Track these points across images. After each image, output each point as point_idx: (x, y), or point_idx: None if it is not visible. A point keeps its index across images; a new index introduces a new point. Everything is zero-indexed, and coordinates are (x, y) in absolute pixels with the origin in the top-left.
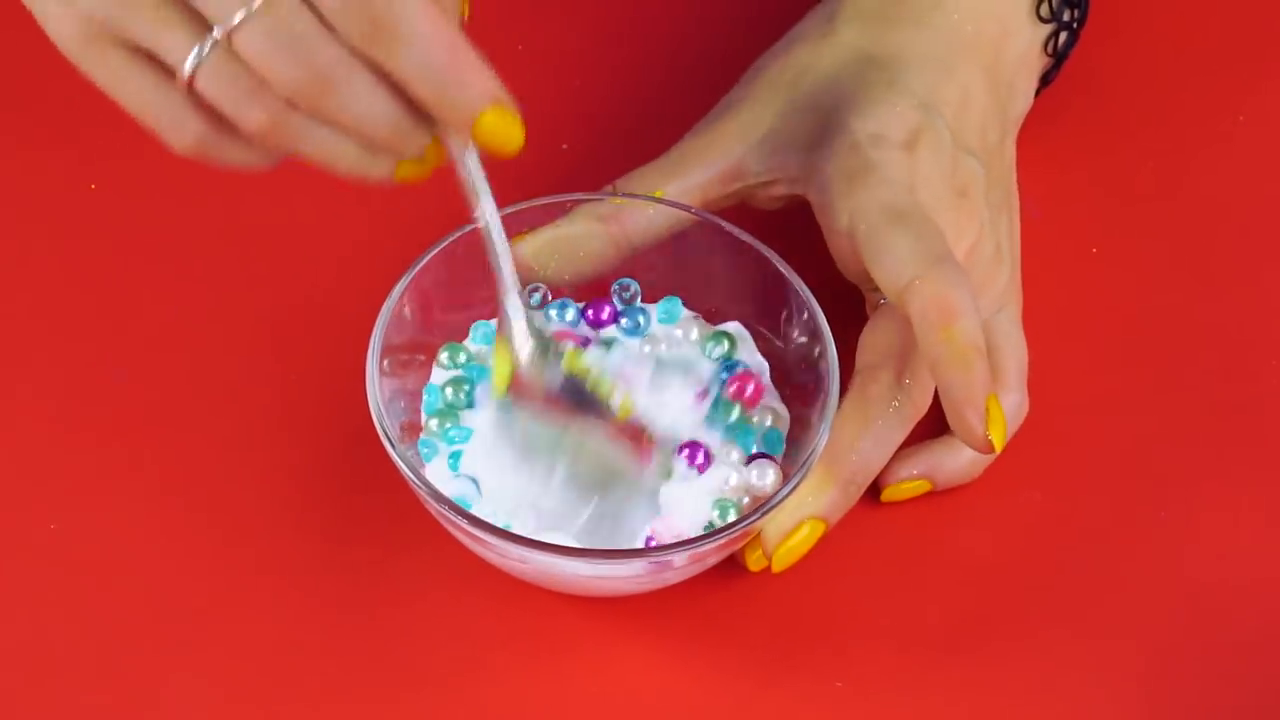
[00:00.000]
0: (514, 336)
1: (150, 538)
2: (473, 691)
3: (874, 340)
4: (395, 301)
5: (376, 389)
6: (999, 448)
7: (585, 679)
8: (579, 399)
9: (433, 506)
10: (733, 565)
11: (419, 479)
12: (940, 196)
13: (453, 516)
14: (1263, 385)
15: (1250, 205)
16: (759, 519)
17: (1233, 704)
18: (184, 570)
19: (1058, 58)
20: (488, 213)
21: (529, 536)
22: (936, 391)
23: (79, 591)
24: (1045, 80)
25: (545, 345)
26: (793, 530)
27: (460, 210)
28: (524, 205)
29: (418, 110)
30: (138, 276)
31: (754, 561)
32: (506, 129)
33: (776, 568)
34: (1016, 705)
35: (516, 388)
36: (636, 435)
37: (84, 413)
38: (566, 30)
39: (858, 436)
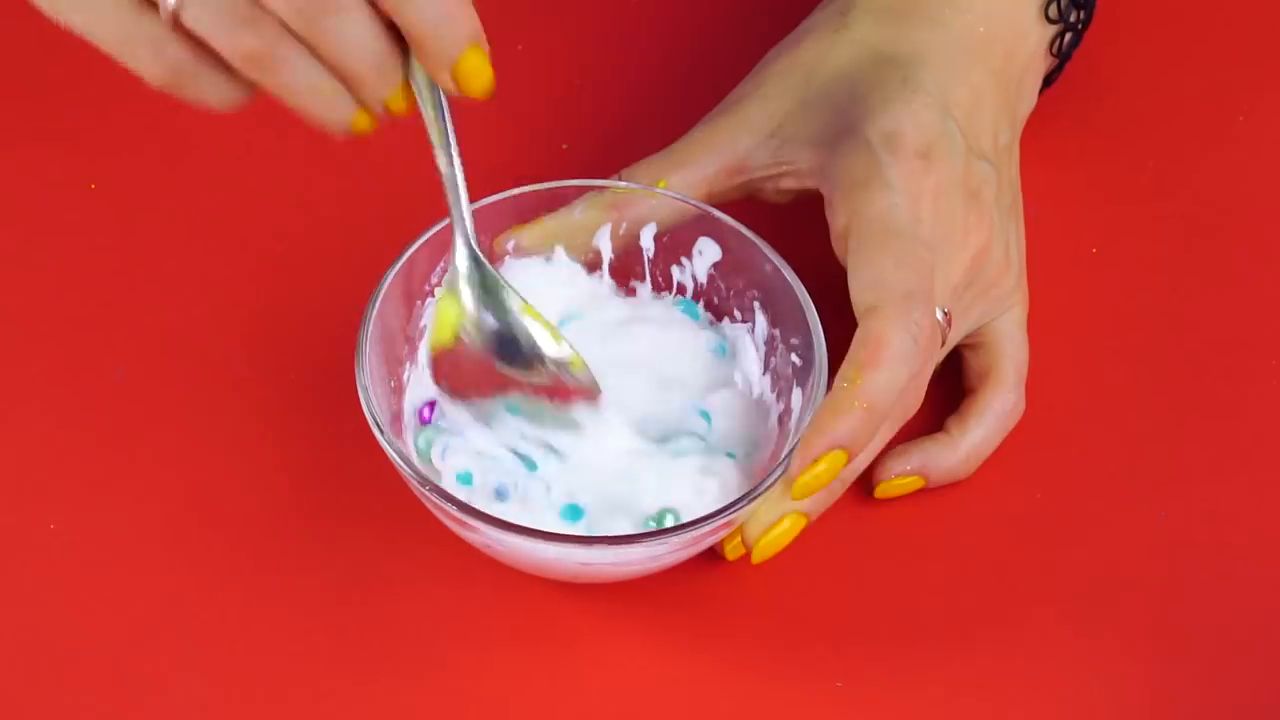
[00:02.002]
0: (471, 286)
1: (149, 536)
2: (469, 681)
3: None
4: (384, 292)
5: (368, 381)
6: (796, 498)
7: (581, 672)
8: (521, 350)
9: (419, 492)
10: (729, 562)
11: (408, 466)
12: (952, 200)
13: (441, 503)
14: (1262, 385)
15: (1250, 205)
16: (742, 510)
17: (1233, 704)
18: (184, 569)
19: (1061, 58)
20: (454, 159)
21: (514, 522)
22: (928, 388)
23: (78, 591)
24: (1048, 81)
25: (497, 298)
26: (774, 524)
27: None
28: (527, 189)
29: (397, 49)
30: (138, 276)
31: (731, 550)
32: (483, 70)
33: (756, 559)
34: (1015, 704)
35: (465, 338)
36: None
37: (84, 413)
38: (566, 30)
39: None
